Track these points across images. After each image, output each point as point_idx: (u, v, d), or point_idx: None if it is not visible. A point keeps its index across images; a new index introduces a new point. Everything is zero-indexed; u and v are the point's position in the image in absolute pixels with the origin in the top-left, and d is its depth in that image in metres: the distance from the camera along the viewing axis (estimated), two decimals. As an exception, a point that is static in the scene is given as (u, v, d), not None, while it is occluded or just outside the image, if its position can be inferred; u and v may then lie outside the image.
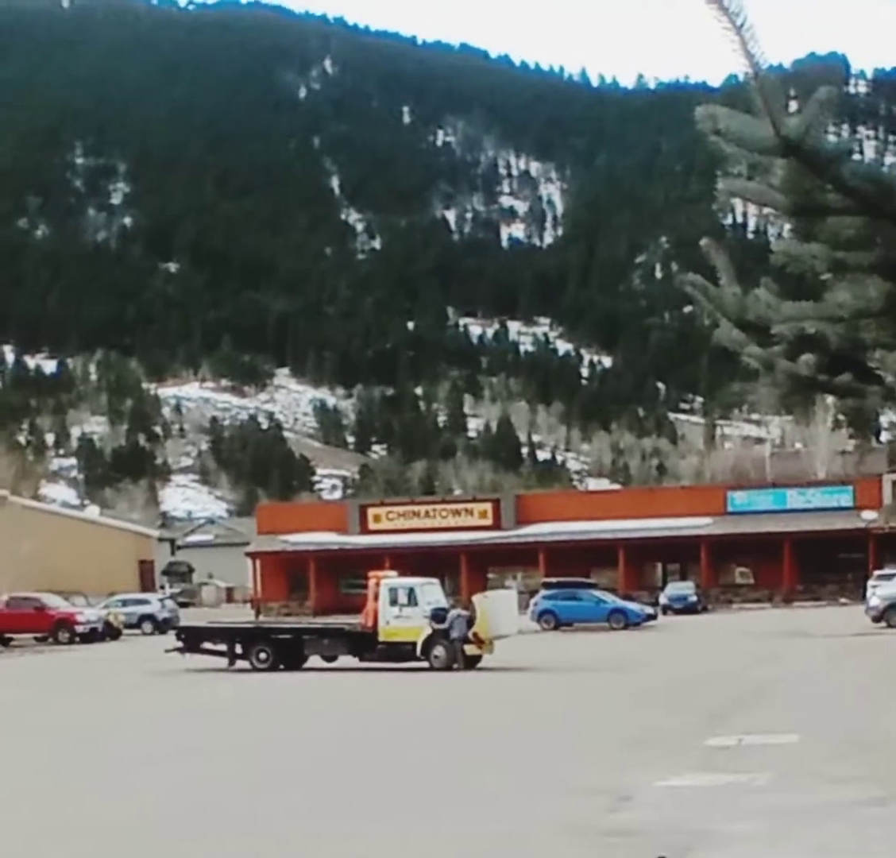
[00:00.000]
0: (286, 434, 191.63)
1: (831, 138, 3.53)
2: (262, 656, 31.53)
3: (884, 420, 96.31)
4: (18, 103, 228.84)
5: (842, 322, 3.68)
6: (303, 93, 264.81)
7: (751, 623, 45.28)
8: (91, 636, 46.41)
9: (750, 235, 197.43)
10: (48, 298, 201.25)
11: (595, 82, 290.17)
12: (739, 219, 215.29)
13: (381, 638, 30.76)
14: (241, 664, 31.60)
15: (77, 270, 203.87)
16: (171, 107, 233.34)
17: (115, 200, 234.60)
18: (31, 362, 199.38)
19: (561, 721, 19.78)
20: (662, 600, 55.33)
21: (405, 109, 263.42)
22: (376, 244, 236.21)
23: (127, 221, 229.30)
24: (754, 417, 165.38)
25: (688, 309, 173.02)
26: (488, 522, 65.07)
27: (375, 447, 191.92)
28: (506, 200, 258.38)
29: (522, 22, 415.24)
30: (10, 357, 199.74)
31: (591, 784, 13.29)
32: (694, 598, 55.75)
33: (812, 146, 3.47)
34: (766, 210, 3.74)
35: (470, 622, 30.10)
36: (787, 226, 3.77)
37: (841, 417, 75.56)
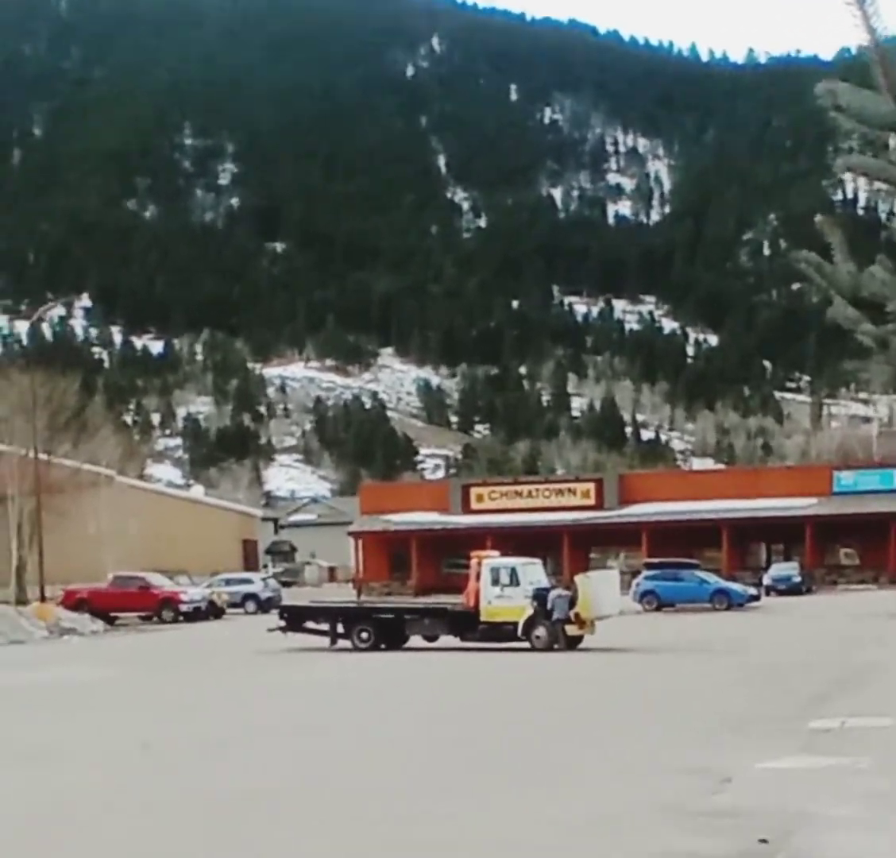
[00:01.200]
0: (389, 414, 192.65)
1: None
2: (364, 635, 31.53)
3: None
4: (127, 87, 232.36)
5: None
6: (410, 72, 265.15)
7: (855, 605, 44.69)
8: (195, 615, 46.79)
9: (860, 211, 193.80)
10: (155, 279, 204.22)
11: (704, 57, 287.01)
12: (850, 195, 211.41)
13: (482, 618, 30.66)
14: (342, 643, 31.69)
15: (184, 251, 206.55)
16: (278, 88, 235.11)
17: (223, 180, 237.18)
18: (138, 342, 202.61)
19: (662, 702, 19.66)
20: (766, 581, 54.74)
21: (512, 86, 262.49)
22: (482, 223, 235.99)
23: (234, 201, 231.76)
24: (862, 396, 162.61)
25: (796, 286, 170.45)
26: (591, 502, 64.82)
27: (478, 427, 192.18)
28: (613, 178, 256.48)
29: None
30: (117, 338, 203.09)
31: (691, 765, 13.19)
32: (798, 579, 55.09)
33: (934, 120, 3.40)
34: (878, 186, 3.73)
35: (571, 602, 29.95)
36: None
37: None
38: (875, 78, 3.44)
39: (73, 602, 45.46)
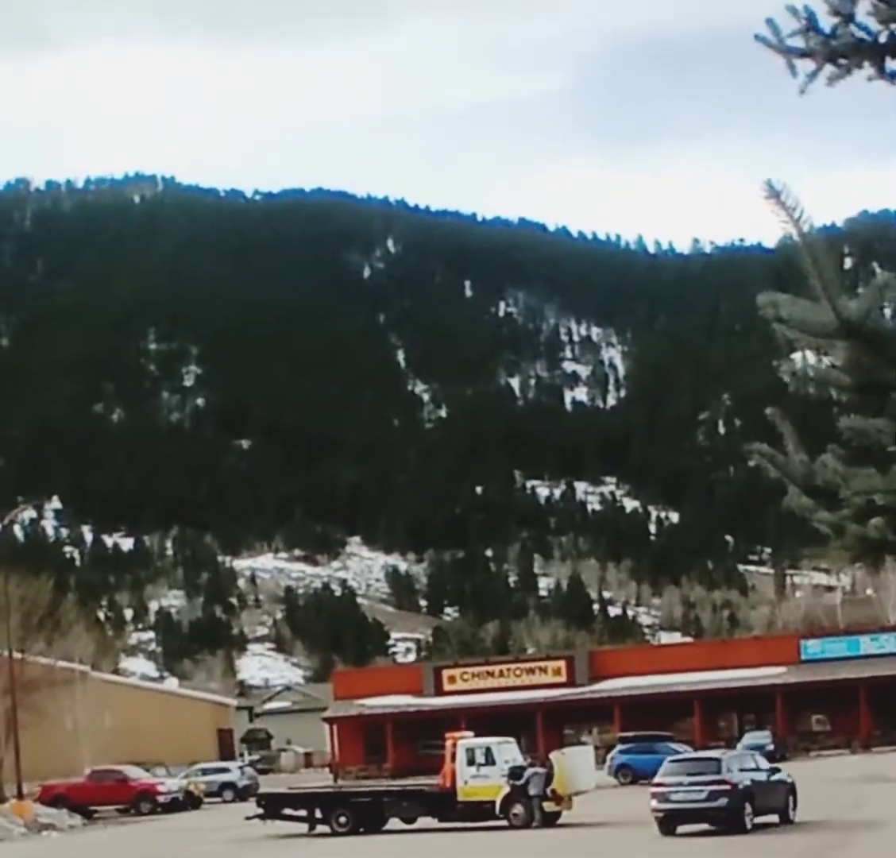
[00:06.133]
0: (359, 600, 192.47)
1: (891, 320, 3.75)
2: (343, 819, 31.63)
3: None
4: (91, 296, 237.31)
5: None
6: (367, 273, 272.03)
7: (830, 770, 44.73)
8: (172, 806, 46.56)
9: (811, 390, 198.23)
10: (124, 479, 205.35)
11: (652, 249, 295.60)
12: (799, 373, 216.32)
13: (459, 798, 30.95)
14: (321, 828, 31.79)
15: (152, 451, 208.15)
16: (240, 293, 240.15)
17: (188, 382, 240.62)
18: (108, 540, 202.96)
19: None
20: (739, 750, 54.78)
21: (467, 283, 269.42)
22: (443, 413, 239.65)
23: (200, 401, 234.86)
24: (823, 565, 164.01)
25: (752, 463, 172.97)
26: (562, 679, 64.96)
27: (448, 610, 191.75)
28: (568, 366, 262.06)
29: (579, 194, 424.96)
30: (88, 536, 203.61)
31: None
32: (771, 747, 54.90)
33: (873, 328, 3.68)
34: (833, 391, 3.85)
35: (548, 778, 30.34)
36: (850, 401, 3.90)
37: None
38: (815, 288, 3.59)
39: (51, 798, 45.24)
